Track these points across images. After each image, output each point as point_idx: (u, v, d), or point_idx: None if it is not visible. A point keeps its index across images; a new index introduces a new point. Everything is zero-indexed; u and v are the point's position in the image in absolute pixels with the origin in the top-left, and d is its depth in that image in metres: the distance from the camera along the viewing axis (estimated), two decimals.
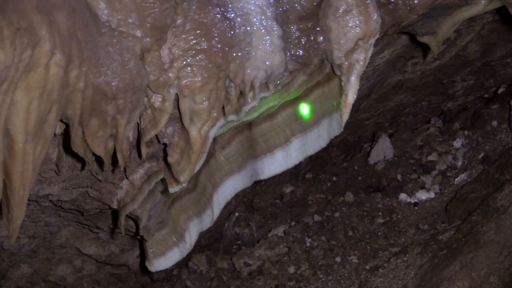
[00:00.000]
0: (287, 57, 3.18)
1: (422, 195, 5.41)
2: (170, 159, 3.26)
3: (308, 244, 5.39)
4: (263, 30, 3.00)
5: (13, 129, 2.19)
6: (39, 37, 2.09)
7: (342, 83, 3.33)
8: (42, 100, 2.20)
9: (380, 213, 5.41)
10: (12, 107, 2.13)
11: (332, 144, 6.50)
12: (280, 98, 3.46)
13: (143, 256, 4.67)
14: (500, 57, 5.67)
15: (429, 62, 5.49)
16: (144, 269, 5.02)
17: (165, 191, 3.83)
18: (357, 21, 3.14)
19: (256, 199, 6.11)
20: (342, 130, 3.60)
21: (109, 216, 4.49)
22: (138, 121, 3.01)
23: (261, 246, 5.43)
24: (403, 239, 5.03)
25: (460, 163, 5.59)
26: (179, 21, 2.76)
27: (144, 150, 3.13)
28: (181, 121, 3.03)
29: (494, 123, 5.65)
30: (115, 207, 3.92)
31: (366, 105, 5.94)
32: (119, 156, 2.89)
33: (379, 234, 5.20)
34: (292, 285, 5.07)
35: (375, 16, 3.15)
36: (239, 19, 2.93)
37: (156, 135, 3.21)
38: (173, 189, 3.54)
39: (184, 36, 2.81)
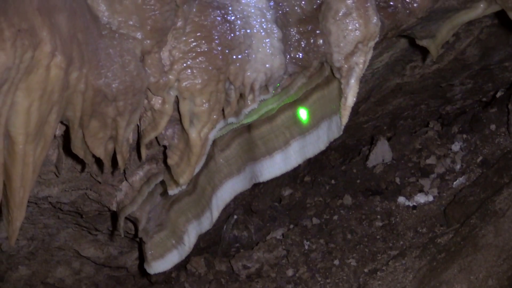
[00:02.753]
0: (287, 59, 3.18)
1: (421, 198, 5.42)
2: (169, 161, 3.26)
3: (306, 247, 5.39)
4: (263, 33, 3.00)
5: (14, 130, 2.19)
6: (40, 38, 2.09)
7: (342, 86, 3.33)
8: (43, 102, 2.20)
9: (378, 216, 5.41)
10: (13, 108, 2.13)
11: (331, 147, 6.49)
12: (279, 101, 3.46)
13: (141, 259, 4.66)
14: (499, 61, 5.68)
15: (428, 65, 5.50)
16: (142, 272, 5.02)
17: (164, 193, 3.83)
18: (356, 24, 3.14)
19: (254, 201, 6.11)
20: (341, 133, 3.60)
21: (108, 218, 4.49)
22: (138, 123, 3.00)
23: (260, 249, 5.43)
24: (401, 242, 5.03)
25: (458, 166, 5.60)
26: (179, 24, 2.77)
27: (144, 152, 3.12)
28: (181, 123, 3.02)
29: (493, 126, 5.66)
30: (114, 209, 3.92)
31: (365, 108, 5.95)
32: (119, 158, 2.88)
33: (378, 237, 5.20)
34: None
35: (374, 19, 3.15)
36: (239, 21, 2.92)
37: (156, 137, 3.21)
38: (172, 191, 3.54)
39: (184, 38, 2.81)
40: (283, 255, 5.38)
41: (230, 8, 2.91)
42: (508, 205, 4.28)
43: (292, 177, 6.44)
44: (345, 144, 6.81)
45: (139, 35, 2.63)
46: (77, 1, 2.38)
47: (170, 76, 2.81)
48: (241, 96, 3.12)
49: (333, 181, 6.34)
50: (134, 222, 3.97)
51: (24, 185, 2.37)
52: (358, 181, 6.15)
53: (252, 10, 2.97)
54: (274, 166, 3.79)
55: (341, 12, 3.13)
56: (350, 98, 3.33)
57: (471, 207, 4.74)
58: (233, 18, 2.91)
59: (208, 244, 5.88)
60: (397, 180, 5.82)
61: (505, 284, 3.85)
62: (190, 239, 4.01)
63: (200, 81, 2.84)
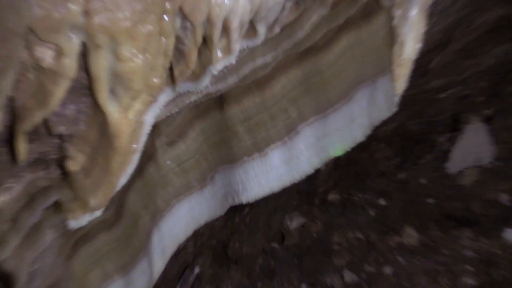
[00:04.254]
0: None
1: None
2: (71, 165, 3.30)
3: None
4: None
5: None
6: None
7: (395, 22, 3.38)
8: None
9: (469, 267, 5.46)
10: None
11: (378, 137, 6.57)
12: (278, 51, 3.50)
13: None
14: None
15: None
16: None
17: (62, 226, 3.87)
18: None
19: (233, 240, 6.17)
20: (395, 109, 3.65)
21: None
22: (13, 94, 3.04)
23: None
24: None
25: None
26: None
27: (22, 148, 3.16)
28: (93, 93, 3.06)
29: None
30: None
31: (440, 62, 6.01)
32: None
33: None
34: None
35: None
36: None
37: (46, 120, 3.25)
38: (76, 221, 3.58)
39: None
40: None
41: None
42: None
43: (304, 194, 6.50)
44: (404, 131, 6.87)
45: None
46: None
47: (71, 6, 2.85)
48: (206, 42, 3.16)
49: (382, 201, 6.39)
50: (5, 280, 4.02)
51: None
52: (431, 200, 6.21)
53: None
54: (268, 173, 3.83)
55: None
56: (410, 45, 3.38)
57: None
58: None
59: None
60: (503, 198, 5.87)
61: None
62: None
63: (127, 14, 2.86)
